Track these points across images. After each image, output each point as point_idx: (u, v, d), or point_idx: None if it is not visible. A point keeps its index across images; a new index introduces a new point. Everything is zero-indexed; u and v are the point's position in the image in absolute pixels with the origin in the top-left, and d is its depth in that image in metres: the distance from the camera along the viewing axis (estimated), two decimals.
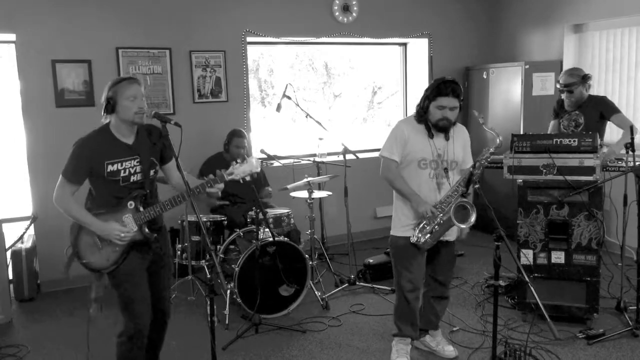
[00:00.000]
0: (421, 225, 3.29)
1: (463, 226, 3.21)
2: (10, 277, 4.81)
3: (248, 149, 5.46)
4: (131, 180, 2.86)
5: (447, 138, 3.35)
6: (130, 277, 2.88)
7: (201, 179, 2.94)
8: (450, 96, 3.23)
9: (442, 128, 3.30)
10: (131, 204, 2.87)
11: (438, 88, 3.25)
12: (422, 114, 3.33)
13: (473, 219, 3.20)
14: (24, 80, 4.88)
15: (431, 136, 3.32)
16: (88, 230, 2.82)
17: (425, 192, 3.31)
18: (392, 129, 3.44)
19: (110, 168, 2.79)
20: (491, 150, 3.25)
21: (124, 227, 2.83)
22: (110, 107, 2.79)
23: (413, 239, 3.29)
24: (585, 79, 4.41)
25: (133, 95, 2.79)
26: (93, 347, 3.33)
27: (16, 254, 4.78)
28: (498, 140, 3.25)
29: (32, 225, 4.79)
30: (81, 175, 2.80)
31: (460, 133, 3.43)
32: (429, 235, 3.26)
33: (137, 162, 2.86)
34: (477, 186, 3.09)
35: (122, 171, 2.82)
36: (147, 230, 2.91)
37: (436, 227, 3.24)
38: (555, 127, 4.71)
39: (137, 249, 2.91)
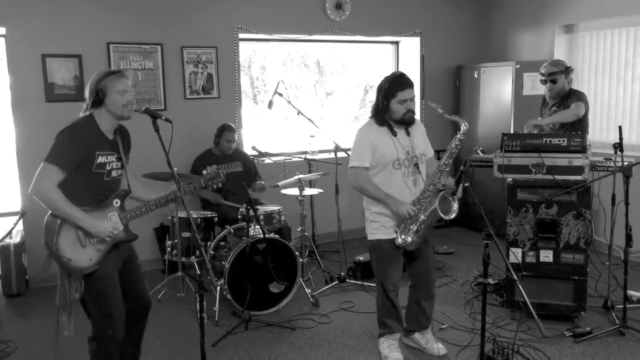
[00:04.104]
0: (402, 226, 3.30)
1: (448, 217, 3.22)
2: None
3: (239, 144, 5.47)
4: (112, 176, 2.81)
5: (408, 133, 3.37)
6: (107, 280, 2.79)
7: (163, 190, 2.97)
8: (407, 88, 3.27)
9: (408, 121, 3.32)
10: (117, 202, 2.83)
11: (395, 84, 3.28)
12: (382, 115, 3.33)
13: (455, 207, 3.21)
14: (14, 74, 4.84)
15: (394, 134, 3.33)
16: (69, 227, 2.68)
17: (404, 191, 3.33)
18: (356, 138, 3.41)
19: (100, 159, 2.72)
20: (459, 137, 3.26)
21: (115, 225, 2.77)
22: (99, 99, 2.73)
23: (398, 242, 3.30)
24: (568, 70, 4.43)
25: (123, 89, 2.75)
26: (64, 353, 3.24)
27: (4, 249, 4.75)
28: (463, 125, 3.26)
29: (21, 220, 4.76)
30: (72, 162, 2.65)
31: (416, 125, 3.46)
32: (414, 234, 3.27)
33: (115, 159, 2.82)
34: (467, 184, 3.11)
35: (107, 164, 2.77)
36: (129, 231, 2.88)
37: (421, 225, 3.25)
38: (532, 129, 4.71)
39: (112, 251, 2.83)
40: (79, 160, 2.67)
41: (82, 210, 2.68)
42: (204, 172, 3.03)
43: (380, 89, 3.33)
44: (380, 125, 3.35)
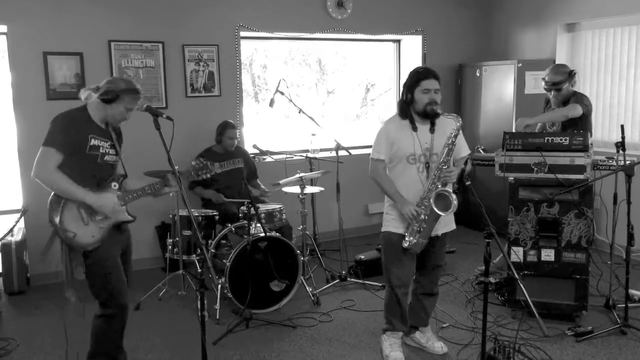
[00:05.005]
0: (410, 229, 3.30)
1: (446, 214, 3.20)
2: (0, 270, 4.79)
3: (240, 141, 5.47)
4: (105, 160, 2.94)
5: (432, 130, 3.34)
6: (110, 257, 2.93)
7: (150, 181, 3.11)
8: (431, 78, 3.27)
9: (431, 114, 3.26)
10: (115, 185, 2.96)
11: (419, 74, 3.31)
12: (406, 107, 3.34)
13: (455, 203, 3.18)
14: (15, 72, 4.84)
15: (415, 129, 3.32)
16: (71, 205, 2.82)
17: (417, 187, 3.31)
18: (378, 131, 3.45)
19: (93, 142, 2.86)
20: (454, 132, 3.24)
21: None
22: (109, 100, 2.86)
23: (405, 244, 3.29)
24: (571, 75, 4.36)
25: (132, 108, 2.92)
26: (72, 336, 3.30)
27: (6, 247, 4.75)
28: (457, 123, 3.24)
29: (22, 218, 4.77)
30: (68, 143, 2.80)
31: (446, 125, 3.34)
32: (418, 234, 3.26)
33: (109, 145, 2.96)
34: (468, 183, 3.09)
35: (100, 148, 2.91)
36: (128, 212, 3.02)
37: (423, 224, 3.24)
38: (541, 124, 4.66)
39: (115, 233, 2.99)
40: (73, 141, 2.82)
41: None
42: (193, 162, 3.16)
43: (405, 81, 3.36)
44: (402, 119, 3.37)
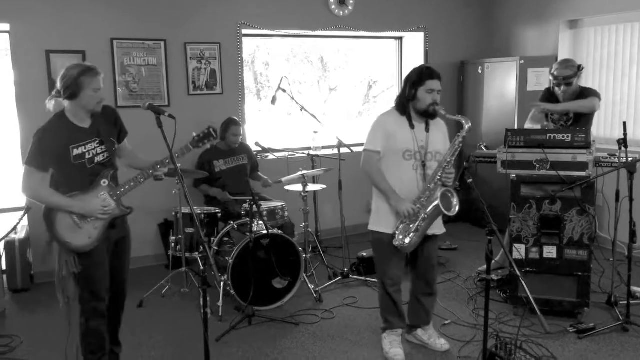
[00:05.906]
0: (402, 226, 3.29)
1: (450, 213, 3.21)
2: (4, 267, 4.80)
3: (243, 138, 5.49)
4: (96, 162, 2.93)
5: (427, 129, 3.36)
6: (97, 258, 2.96)
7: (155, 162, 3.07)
8: (436, 79, 3.30)
9: (431, 113, 3.30)
10: (104, 182, 2.96)
11: (424, 73, 3.31)
12: (406, 104, 3.34)
13: (456, 203, 3.19)
14: (18, 70, 4.85)
15: (412, 127, 3.34)
16: (63, 214, 2.86)
17: (412, 183, 3.32)
18: (373, 123, 3.45)
19: (75, 152, 2.85)
20: (463, 134, 3.26)
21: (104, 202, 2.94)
22: (73, 94, 2.82)
23: (396, 243, 3.29)
24: (580, 69, 4.34)
25: (98, 87, 2.86)
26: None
27: (9, 245, 4.77)
28: (467, 125, 3.26)
29: (26, 215, 4.78)
30: (47, 162, 2.83)
31: (438, 125, 3.44)
32: (413, 233, 3.25)
33: (97, 144, 2.94)
34: (470, 180, 3.10)
35: (87, 154, 2.89)
36: (123, 205, 3.02)
37: (421, 222, 3.24)
38: (538, 117, 4.56)
39: (107, 228, 3.00)
40: (52, 158, 2.83)
41: (71, 196, 2.87)
42: (194, 134, 3.11)
43: (409, 78, 3.36)
44: (401, 115, 3.37)
